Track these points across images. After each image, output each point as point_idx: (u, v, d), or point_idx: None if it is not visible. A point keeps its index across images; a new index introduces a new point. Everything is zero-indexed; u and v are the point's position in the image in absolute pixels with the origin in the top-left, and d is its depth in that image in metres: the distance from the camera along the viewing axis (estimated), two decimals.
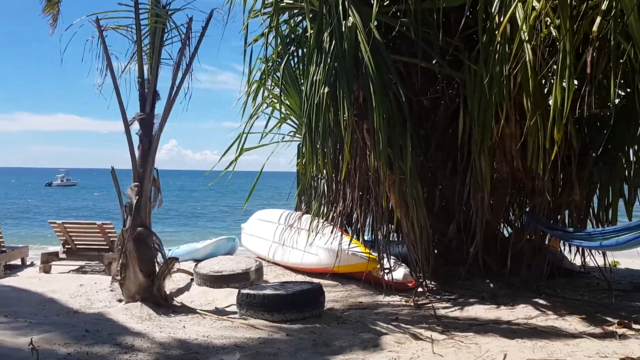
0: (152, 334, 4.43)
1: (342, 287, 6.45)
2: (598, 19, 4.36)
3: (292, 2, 7.06)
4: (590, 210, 6.39)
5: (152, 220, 5.72)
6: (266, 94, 8.29)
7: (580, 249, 6.42)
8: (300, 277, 6.91)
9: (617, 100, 6.41)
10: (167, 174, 79.73)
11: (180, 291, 6.37)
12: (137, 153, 5.71)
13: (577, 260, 6.85)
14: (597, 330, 4.60)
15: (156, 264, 5.62)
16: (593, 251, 6.48)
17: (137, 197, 5.54)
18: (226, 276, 6.41)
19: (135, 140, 5.73)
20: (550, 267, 6.27)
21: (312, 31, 6.40)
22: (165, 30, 6.00)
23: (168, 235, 16.55)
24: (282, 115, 8.30)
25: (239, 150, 7.79)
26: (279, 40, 7.37)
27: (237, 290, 5.35)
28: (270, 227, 8.04)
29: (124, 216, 5.62)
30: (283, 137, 8.50)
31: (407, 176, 5.91)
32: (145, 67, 5.92)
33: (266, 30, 7.35)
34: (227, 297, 5.94)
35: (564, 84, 4.32)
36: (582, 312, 5.19)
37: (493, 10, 5.71)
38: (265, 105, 8.47)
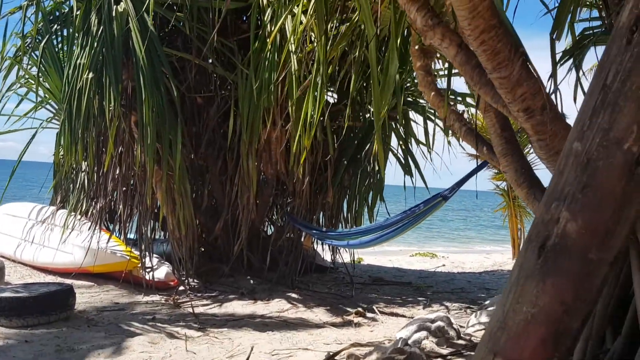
0: None
1: (99, 288, 6.08)
2: (355, 41, 4.89)
3: None
4: (342, 212, 7.16)
5: None
6: (21, 73, 7.41)
7: (332, 246, 7.11)
8: (50, 278, 6.31)
9: (367, 115, 7.32)
10: None
11: None
12: None
13: (329, 257, 7.55)
14: (338, 320, 5.15)
15: None
16: (342, 249, 7.26)
17: None
18: None
19: None
20: (305, 264, 6.82)
21: (78, 12, 5.94)
22: None
23: None
24: (40, 99, 7.52)
25: None
26: (40, 16, 6.66)
27: None
28: (19, 223, 7.18)
29: None
30: (41, 123, 7.70)
31: (176, 173, 5.85)
32: None
33: (25, 2, 6.59)
34: None
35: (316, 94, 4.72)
36: (328, 304, 5.75)
37: (265, 19, 6.01)
38: (19, 85, 7.59)
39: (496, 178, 11.31)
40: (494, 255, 13.04)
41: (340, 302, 5.89)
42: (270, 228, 7.78)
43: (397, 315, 5.40)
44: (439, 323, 4.08)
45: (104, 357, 3.86)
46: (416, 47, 4.52)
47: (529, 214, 11.60)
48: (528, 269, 1.40)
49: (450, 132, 7.27)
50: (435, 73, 5.43)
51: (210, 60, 6.59)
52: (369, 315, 5.32)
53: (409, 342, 3.87)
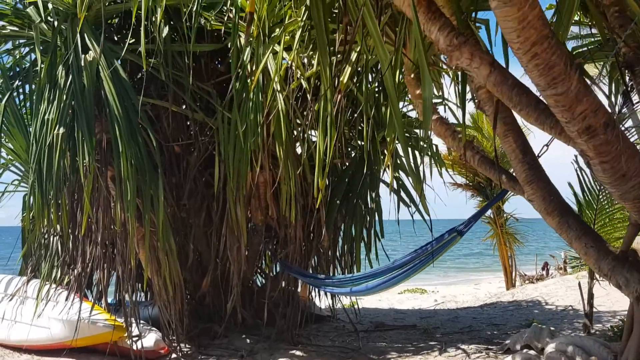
0: None
1: None
2: (348, 71, 4.62)
3: (17, 29, 6.01)
4: (336, 255, 6.75)
5: None
6: None
7: (328, 294, 6.67)
8: (25, 357, 5.64)
9: (353, 153, 7.05)
10: None
11: None
12: None
13: (324, 305, 7.10)
14: None
15: None
16: (339, 295, 6.82)
17: None
18: None
19: None
20: (304, 316, 6.35)
21: (43, 65, 5.52)
22: None
23: None
24: (3, 162, 6.98)
25: None
26: None
27: None
28: None
29: None
30: (6, 187, 7.12)
31: (160, 229, 5.37)
32: None
33: None
34: None
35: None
36: (337, 359, 5.28)
37: (245, 59, 5.71)
38: None
39: (480, 205, 11.15)
40: (484, 286, 12.80)
41: (349, 356, 5.43)
42: (259, 279, 7.31)
43: None
44: None
45: None
46: (412, 75, 4.28)
47: (518, 240, 11.48)
48: None
49: (438, 162, 7.06)
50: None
51: (184, 107, 6.24)
52: None
53: None
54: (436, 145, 7.00)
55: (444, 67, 4.76)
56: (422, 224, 6.13)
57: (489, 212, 11.13)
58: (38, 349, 5.75)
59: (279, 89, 5.39)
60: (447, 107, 6.03)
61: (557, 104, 2.32)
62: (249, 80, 5.63)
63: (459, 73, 4.51)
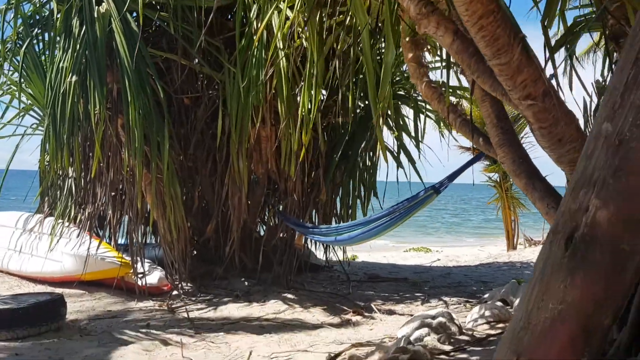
0: None
1: (90, 296, 5.93)
2: (342, 34, 4.80)
3: None
4: (335, 210, 7.06)
5: None
6: (3, 79, 7.25)
7: (325, 245, 7.01)
8: (40, 288, 6.15)
9: (357, 111, 7.24)
10: None
11: None
12: None
13: (322, 256, 7.46)
14: (336, 319, 5.06)
15: None
16: (336, 247, 7.17)
17: None
18: None
19: None
20: (299, 263, 6.72)
21: (59, 14, 5.79)
22: None
23: None
24: (24, 105, 7.35)
25: None
26: (19, 21, 6.50)
27: None
28: (5, 232, 7.00)
29: None
30: (25, 130, 7.52)
31: (165, 175, 5.72)
32: None
33: (4, 7, 6.42)
34: None
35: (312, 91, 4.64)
36: (324, 303, 5.66)
37: (251, 16, 5.89)
38: (1, 92, 7.42)
39: (488, 170, 11.29)
40: (488, 248, 13.04)
41: (337, 301, 5.80)
42: (263, 228, 7.67)
43: (395, 312, 5.33)
44: (440, 319, 4.01)
45: None
46: (407, 38, 4.45)
47: (523, 205, 11.63)
48: (554, 263, 1.32)
49: (442, 124, 7.24)
50: (427, 65, 5.39)
51: (196, 60, 6.48)
52: (367, 313, 5.24)
53: (411, 339, 3.79)
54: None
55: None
56: (421, 186, 6.38)
57: (494, 176, 11.28)
58: (51, 281, 6.26)
59: (281, 46, 5.57)
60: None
61: (501, 73, 2.53)
62: (254, 37, 5.82)
63: None
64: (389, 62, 3.16)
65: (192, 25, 6.07)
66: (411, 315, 5.12)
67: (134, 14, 6.04)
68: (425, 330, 3.94)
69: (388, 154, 6.69)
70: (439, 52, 5.77)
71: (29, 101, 7.31)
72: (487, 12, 2.42)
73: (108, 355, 3.98)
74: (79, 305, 5.54)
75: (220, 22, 6.77)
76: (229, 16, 6.95)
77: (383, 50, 6.44)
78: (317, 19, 4.13)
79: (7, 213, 7.64)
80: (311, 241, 6.95)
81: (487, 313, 4.55)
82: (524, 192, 3.90)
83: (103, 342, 4.31)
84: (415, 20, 3.19)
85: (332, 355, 3.67)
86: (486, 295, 5.57)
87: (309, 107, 4.55)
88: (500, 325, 4.35)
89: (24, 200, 7.45)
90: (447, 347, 3.81)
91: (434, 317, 4.02)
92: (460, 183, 6.18)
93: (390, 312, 5.32)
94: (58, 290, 5.85)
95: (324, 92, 6.48)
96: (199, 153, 6.86)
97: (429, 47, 5.42)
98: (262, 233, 7.52)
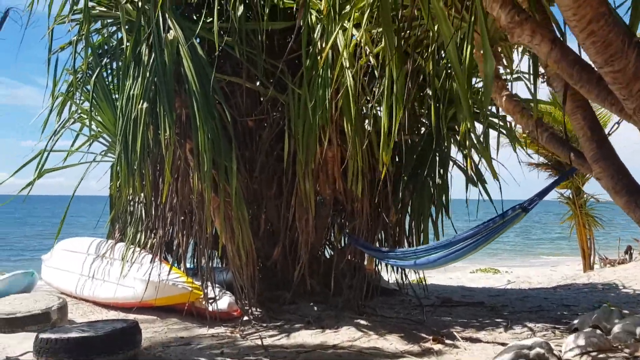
0: None
1: (162, 322, 5.91)
2: (411, 49, 4.64)
3: (105, 10, 6.44)
4: (403, 230, 6.82)
5: None
6: (74, 108, 7.45)
7: (395, 267, 6.77)
8: (113, 314, 6.19)
9: (423, 129, 7.02)
10: None
11: None
12: None
13: (392, 279, 7.21)
14: (416, 347, 4.81)
15: None
16: (406, 269, 6.91)
17: None
18: (21, 318, 5.45)
19: None
20: (370, 287, 6.50)
21: (128, 43, 5.91)
22: None
23: None
24: (93, 133, 7.54)
25: (38, 170, 6.80)
26: (89, 51, 6.68)
27: (34, 335, 4.56)
28: (78, 258, 7.14)
29: None
30: (95, 157, 7.69)
31: (233, 199, 5.68)
32: None
33: (75, 38, 6.62)
34: (21, 343, 5.03)
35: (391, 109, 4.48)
36: (400, 330, 5.41)
37: (315, 36, 5.83)
38: (72, 121, 7.63)
39: (560, 186, 10.74)
40: (561, 268, 12.38)
41: (413, 328, 5.54)
42: (328, 251, 7.51)
43: (480, 340, 5.01)
44: (538, 349, 3.71)
45: None
46: (481, 51, 4.22)
47: (598, 223, 10.99)
48: None
49: (515, 140, 6.89)
50: (505, 78, 5.13)
51: (258, 83, 6.48)
52: (448, 341, 4.96)
53: None
54: (510, 123, 6.83)
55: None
56: (492, 205, 6.09)
57: (567, 193, 10.73)
58: (123, 307, 6.30)
59: (347, 65, 5.46)
60: (524, 82, 5.87)
61: (614, 81, 2.29)
62: (319, 57, 5.74)
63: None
64: (489, 73, 2.96)
65: (256, 48, 6.08)
66: (496, 343, 4.82)
67: (198, 39, 6.09)
68: None
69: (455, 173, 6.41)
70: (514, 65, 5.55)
71: (98, 128, 7.48)
72: (597, 16, 2.20)
73: None
74: (152, 332, 5.52)
75: (282, 44, 6.77)
76: (291, 36, 6.94)
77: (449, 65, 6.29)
78: (395, 34, 3.97)
79: (79, 239, 7.82)
80: (380, 263, 6.73)
81: (583, 342, 4.19)
82: (625, 210, 3.58)
83: None
84: (506, 29, 2.99)
85: None
86: (575, 322, 5.18)
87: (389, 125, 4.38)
88: (602, 355, 3.98)
89: (95, 226, 7.59)
90: None
91: (530, 347, 3.71)
92: (514, 199, 5.85)
93: (474, 340, 5.00)
94: (130, 316, 5.87)
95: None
96: (264, 175, 6.82)
97: (504, 59, 5.20)
98: (327, 255, 7.38)
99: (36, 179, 6.86)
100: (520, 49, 5.18)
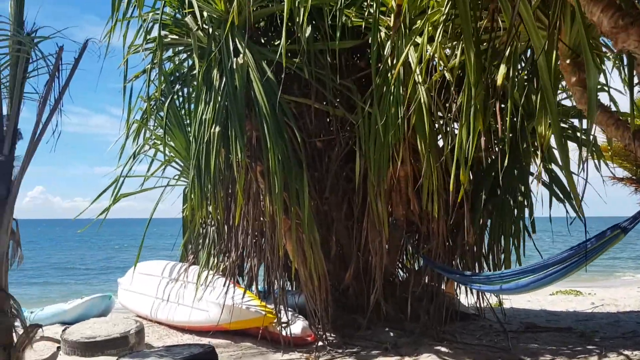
0: None
1: (236, 346, 5.86)
2: (502, 67, 4.42)
3: (177, 38, 6.60)
4: (482, 252, 6.48)
5: (13, 274, 4.83)
6: (148, 134, 7.66)
7: (475, 291, 6.44)
8: (187, 337, 6.21)
9: (500, 145, 6.70)
10: (31, 224, 72.21)
11: None
12: None
13: (467, 302, 6.87)
14: None
15: (14, 334, 4.71)
16: (485, 293, 6.56)
17: None
18: (100, 342, 5.56)
19: None
20: (448, 312, 6.21)
21: (199, 69, 6.00)
22: (30, 61, 5.25)
23: (30, 295, 14.64)
24: (167, 158, 7.71)
25: (114, 195, 6.99)
26: (162, 78, 6.85)
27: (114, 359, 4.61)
28: (153, 282, 7.26)
29: None
30: (168, 182, 7.85)
31: (304, 221, 5.59)
32: (5, 102, 5.11)
33: (148, 66, 6.81)
34: None
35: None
36: (484, 357, 5.10)
37: (385, 53, 5.71)
38: (147, 147, 7.85)
39: None
40: None
41: (498, 356, 5.21)
42: (401, 273, 7.27)
43: None
44: None
45: None
46: (567, 61, 3.95)
47: None
48: None
49: (595, 155, 6.45)
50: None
51: (325, 103, 6.41)
52: None
53: None
54: (594, 136, 6.41)
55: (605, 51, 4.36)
56: (575, 224, 5.68)
57: None
58: (197, 330, 6.30)
59: (420, 80, 5.30)
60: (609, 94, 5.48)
61: None
62: (389, 75, 5.61)
63: (624, 56, 4.10)
64: (593, 87, 2.73)
65: (324, 69, 6.02)
66: None
67: (266, 62, 6.10)
68: None
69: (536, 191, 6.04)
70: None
71: (171, 153, 7.64)
72: None
73: None
74: (227, 357, 5.47)
75: (350, 63, 6.69)
76: (359, 55, 6.86)
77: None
78: (474, 46, 3.78)
79: (153, 262, 7.96)
80: (459, 287, 6.43)
81: None
82: None
83: None
84: (608, 35, 2.76)
85: None
86: None
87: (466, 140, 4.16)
88: None
89: (172, 248, 7.71)
90: None
91: None
92: (595, 217, 5.41)
93: None
94: (204, 339, 5.86)
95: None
96: (333, 197, 6.71)
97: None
98: (401, 278, 7.13)
99: (113, 204, 7.06)
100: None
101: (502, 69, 3.75)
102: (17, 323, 4.85)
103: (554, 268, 4.20)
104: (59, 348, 5.65)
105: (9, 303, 4.75)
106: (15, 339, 4.65)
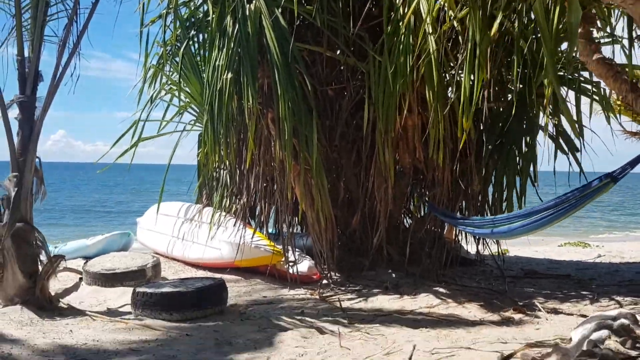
0: (33, 341, 3.97)
1: (246, 282, 6.22)
2: (499, 15, 4.47)
3: None
4: (486, 200, 6.67)
5: (36, 215, 5.18)
6: (164, 80, 7.83)
7: (476, 237, 6.66)
8: (201, 273, 6.58)
9: (509, 96, 6.75)
10: (55, 166, 73.71)
11: (68, 292, 5.78)
12: (16, 140, 5.11)
13: (473, 250, 7.11)
14: (495, 317, 4.77)
15: (39, 263, 5.09)
16: (488, 240, 6.79)
17: (16, 189, 4.96)
18: (119, 274, 5.94)
19: (14, 126, 5.13)
20: (450, 257, 6.46)
21: (213, 15, 6.10)
22: (50, 4, 5.42)
23: (53, 234, 15.23)
24: (182, 103, 7.89)
25: (134, 139, 7.24)
26: (178, 24, 6.96)
27: (131, 289, 4.97)
28: (169, 221, 7.60)
29: (1, 210, 5.04)
30: (184, 127, 8.06)
31: (313, 167, 5.80)
32: (26, 45, 5.32)
33: (164, 12, 6.92)
34: (120, 296, 5.50)
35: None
36: (480, 299, 5.36)
37: (397, 2, 5.74)
38: (163, 92, 8.03)
39: None
40: None
41: (493, 297, 5.47)
42: (407, 219, 7.50)
43: (561, 312, 4.89)
44: (623, 320, 3.56)
45: (261, 351, 3.85)
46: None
47: None
48: None
49: (609, 108, 6.48)
50: (599, 41, 4.81)
51: (338, 52, 6.49)
52: (529, 312, 4.87)
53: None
54: (604, 89, 6.42)
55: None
56: (579, 179, 5.82)
57: None
58: (210, 267, 6.67)
59: (430, 30, 5.35)
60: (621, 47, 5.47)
61: None
62: (400, 23, 5.66)
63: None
64: (574, 23, 2.83)
65: (337, 16, 6.08)
66: (580, 315, 4.67)
67: (279, 9, 6.16)
68: (604, 332, 3.52)
69: (549, 140, 6.13)
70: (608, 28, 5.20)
71: (187, 99, 7.82)
72: None
73: (269, 340, 4.10)
74: (237, 291, 5.82)
75: (363, 12, 6.71)
76: (373, 3, 6.86)
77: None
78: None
79: (170, 203, 8.28)
80: (462, 233, 6.65)
81: None
82: None
83: (262, 327, 4.46)
84: None
85: (505, 354, 3.42)
86: None
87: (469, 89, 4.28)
88: None
89: (187, 191, 8.02)
90: (634, 353, 3.37)
91: (614, 318, 3.58)
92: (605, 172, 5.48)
93: (556, 312, 4.88)
94: (216, 275, 6.20)
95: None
96: (343, 144, 6.88)
97: (598, 21, 4.88)
98: (407, 224, 7.37)
99: (132, 148, 7.32)
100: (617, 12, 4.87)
101: (499, 17, 3.82)
102: (43, 254, 5.25)
103: (542, 214, 4.37)
104: (81, 279, 6.06)
105: (34, 235, 5.12)
106: (40, 269, 5.04)
